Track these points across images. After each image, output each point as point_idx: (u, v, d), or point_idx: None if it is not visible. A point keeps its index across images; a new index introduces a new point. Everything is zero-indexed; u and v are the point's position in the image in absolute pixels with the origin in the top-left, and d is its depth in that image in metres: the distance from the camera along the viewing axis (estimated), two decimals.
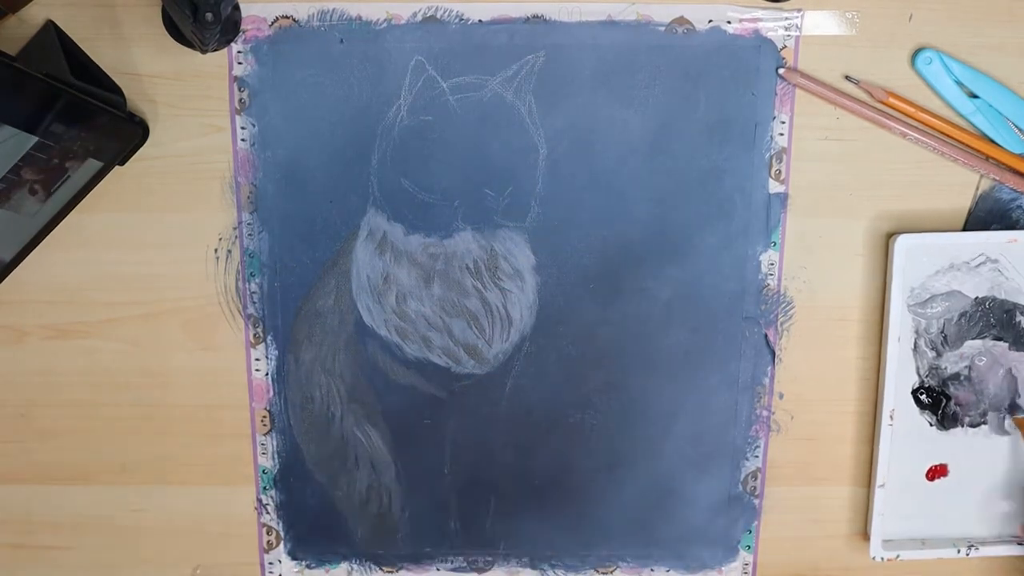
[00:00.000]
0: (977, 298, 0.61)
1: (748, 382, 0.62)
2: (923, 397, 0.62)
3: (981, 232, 0.59)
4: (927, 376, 0.62)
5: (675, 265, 0.60)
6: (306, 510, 0.63)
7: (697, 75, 0.58)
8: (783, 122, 0.59)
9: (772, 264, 0.60)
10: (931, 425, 0.62)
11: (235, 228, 0.60)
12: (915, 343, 0.61)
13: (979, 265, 0.60)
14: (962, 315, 0.61)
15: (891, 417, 0.61)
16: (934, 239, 0.59)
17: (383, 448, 0.62)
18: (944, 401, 0.62)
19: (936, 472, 0.63)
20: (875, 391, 0.62)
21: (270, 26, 0.57)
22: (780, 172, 0.59)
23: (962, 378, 0.62)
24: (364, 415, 0.62)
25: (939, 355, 0.62)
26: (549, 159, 0.59)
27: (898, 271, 0.59)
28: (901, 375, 0.61)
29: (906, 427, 0.62)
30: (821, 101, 0.58)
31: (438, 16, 0.57)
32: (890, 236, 0.59)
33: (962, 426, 0.63)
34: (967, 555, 0.63)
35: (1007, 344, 0.62)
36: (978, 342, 0.61)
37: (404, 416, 0.62)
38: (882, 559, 0.62)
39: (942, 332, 0.61)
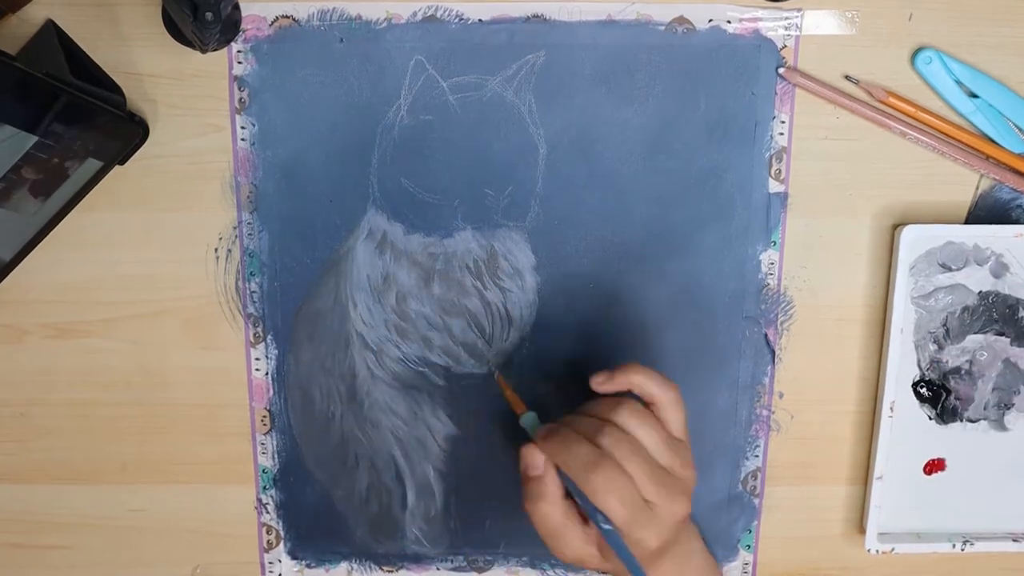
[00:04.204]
0: (981, 292, 0.61)
1: (748, 382, 0.62)
2: (923, 390, 0.62)
3: (988, 225, 0.59)
4: (928, 369, 0.62)
5: (675, 265, 0.60)
6: (306, 510, 0.63)
7: (697, 75, 0.58)
8: (783, 122, 0.59)
9: (772, 264, 0.60)
10: (930, 419, 0.63)
11: (235, 228, 0.60)
12: (917, 336, 0.61)
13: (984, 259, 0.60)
14: (965, 309, 0.61)
15: (891, 409, 0.61)
16: (941, 231, 0.59)
17: (383, 448, 0.62)
18: (944, 395, 0.62)
19: (934, 466, 0.63)
20: (875, 390, 0.62)
21: (270, 26, 0.57)
22: (780, 172, 0.59)
23: (963, 372, 0.62)
24: (364, 415, 0.62)
25: (941, 348, 0.62)
26: (549, 159, 0.59)
27: (903, 262, 0.59)
28: (902, 368, 0.61)
29: (905, 420, 0.62)
30: (821, 101, 0.58)
31: (438, 16, 0.57)
32: (895, 227, 0.59)
33: (961, 420, 0.63)
34: (962, 550, 0.63)
35: (1009, 339, 0.62)
36: (980, 336, 0.62)
37: (404, 416, 0.62)
38: (877, 551, 0.62)
39: (944, 325, 0.61)
